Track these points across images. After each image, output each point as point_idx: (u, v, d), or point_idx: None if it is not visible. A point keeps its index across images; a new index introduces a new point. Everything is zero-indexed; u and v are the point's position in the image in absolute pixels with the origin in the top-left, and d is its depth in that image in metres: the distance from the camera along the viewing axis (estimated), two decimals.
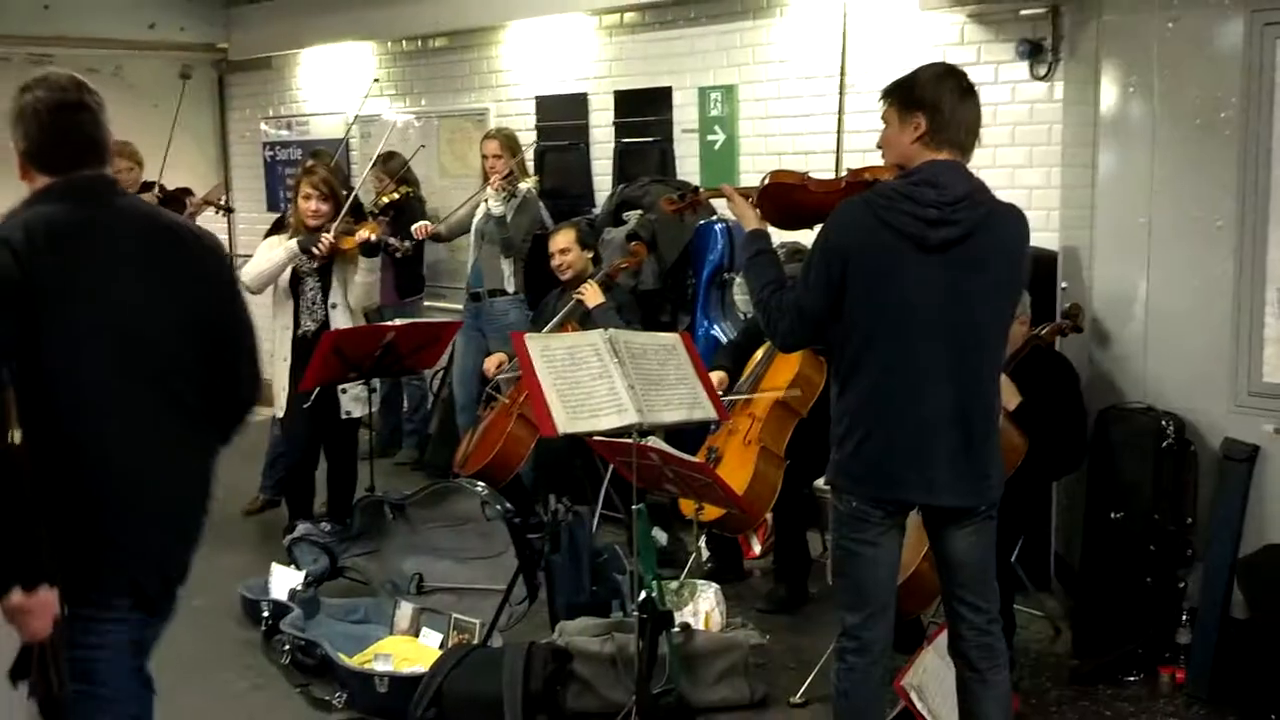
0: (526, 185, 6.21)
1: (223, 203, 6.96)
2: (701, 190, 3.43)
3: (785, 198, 3.19)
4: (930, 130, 2.86)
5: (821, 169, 5.43)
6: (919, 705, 3.54)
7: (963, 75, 2.95)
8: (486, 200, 6.13)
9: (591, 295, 5.38)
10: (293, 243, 5.30)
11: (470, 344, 6.27)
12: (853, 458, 2.91)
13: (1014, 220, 2.95)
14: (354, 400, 5.38)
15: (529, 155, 6.75)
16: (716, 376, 4.69)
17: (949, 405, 2.86)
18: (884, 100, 2.97)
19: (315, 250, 5.23)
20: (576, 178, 6.84)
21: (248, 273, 5.45)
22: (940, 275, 2.82)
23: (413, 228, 6.39)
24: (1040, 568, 4.69)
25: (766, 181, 3.20)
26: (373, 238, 5.22)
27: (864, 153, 5.05)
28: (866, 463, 2.89)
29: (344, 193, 5.63)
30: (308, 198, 5.34)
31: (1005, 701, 3.09)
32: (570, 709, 3.86)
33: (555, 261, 5.60)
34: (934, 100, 2.86)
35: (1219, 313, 4.27)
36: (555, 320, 5.43)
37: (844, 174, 3.21)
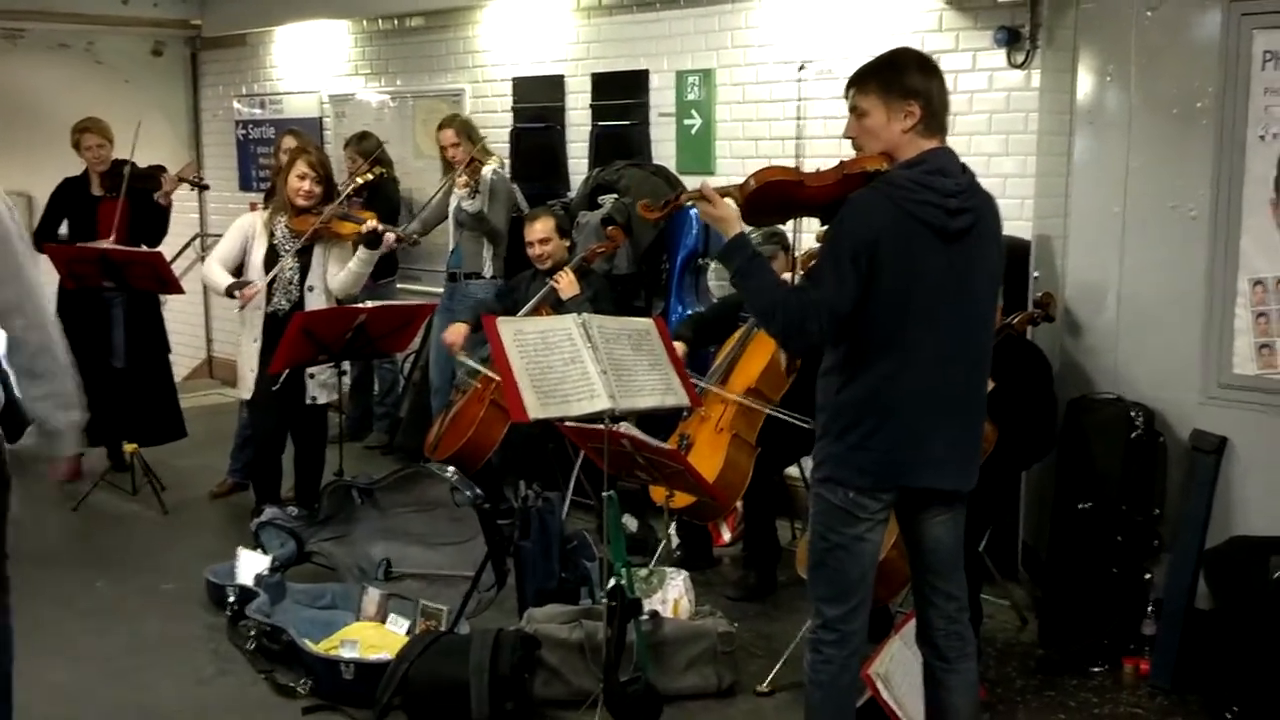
0: (490, 168, 6.14)
1: (195, 179, 6.88)
2: (681, 195, 3.21)
3: (779, 195, 2.99)
4: (924, 118, 2.84)
5: (795, 155, 5.41)
6: (885, 694, 3.54)
7: (929, 56, 2.96)
8: (460, 203, 6.07)
9: (567, 286, 5.33)
10: (223, 286, 5.30)
11: (445, 325, 6.23)
12: (859, 449, 2.87)
13: (994, 204, 3.00)
14: (320, 386, 5.33)
15: (504, 135, 6.71)
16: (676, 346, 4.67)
17: (960, 389, 2.91)
18: (859, 88, 2.91)
19: (235, 295, 5.24)
20: (552, 160, 6.80)
21: (204, 277, 5.49)
22: (953, 263, 2.85)
23: (385, 238, 6.16)
24: (1008, 557, 4.70)
25: (755, 184, 2.95)
26: (380, 228, 5.17)
27: (837, 140, 5.02)
28: (876, 452, 2.86)
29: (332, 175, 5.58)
30: (303, 177, 5.26)
31: (973, 690, 3.09)
32: (538, 696, 3.84)
33: (535, 251, 5.55)
34: (925, 88, 2.85)
35: (1191, 303, 4.27)
36: (530, 305, 5.40)
37: (835, 166, 2.99)
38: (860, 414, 2.87)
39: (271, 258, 5.26)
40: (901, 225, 2.79)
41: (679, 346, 4.69)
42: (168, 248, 6.55)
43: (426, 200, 6.84)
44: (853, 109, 2.94)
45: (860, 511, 2.89)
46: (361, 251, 5.23)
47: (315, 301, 5.27)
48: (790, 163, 3.30)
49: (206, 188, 7.19)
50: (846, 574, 2.94)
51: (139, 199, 6.35)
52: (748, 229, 3.02)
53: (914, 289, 2.81)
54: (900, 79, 2.85)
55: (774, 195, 2.96)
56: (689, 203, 3.10)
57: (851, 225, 2.81)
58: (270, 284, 5.26)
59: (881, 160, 2.89)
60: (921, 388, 2.85)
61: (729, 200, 2.97)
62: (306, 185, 5.25)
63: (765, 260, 2.96)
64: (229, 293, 5.29)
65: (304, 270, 5.29)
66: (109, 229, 6.18)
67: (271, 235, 5.29)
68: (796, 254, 4.69)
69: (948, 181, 2.83)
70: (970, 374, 2.95)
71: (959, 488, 2.96)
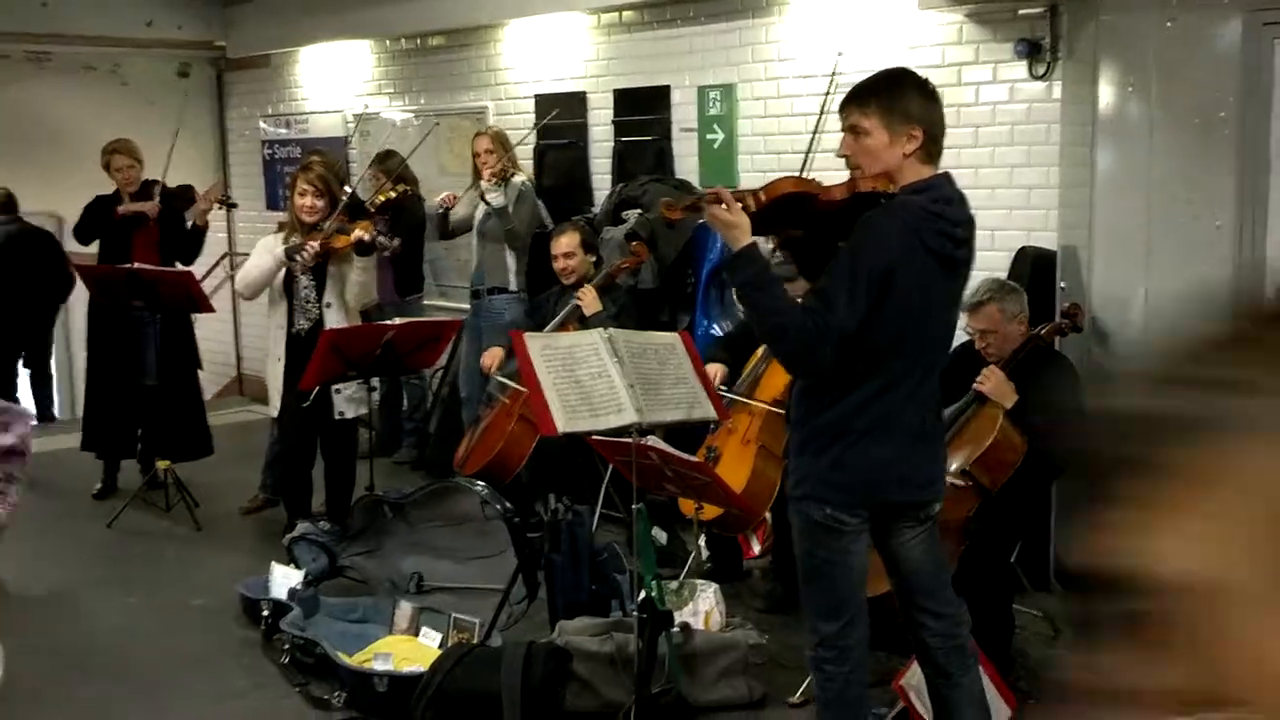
0: (521, 178, 6.26)
1: (224, 198, 6.97)
2: (704, 197, 3.07)
3: (792, 206, 2.96)
4: (925, 144, 2.86)
5: (820, 170, 5.43)
6: (917, 704, 3.55)
7: (926, 79, 2.97)
8: (484, 195, 6.16)
9: (589, 302, 5.37)
10: (280, 250, 5.31)
11: (474, 341, 6.32)
12: (839, 467, 2.90)
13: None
14: (348, 401, 5.38)
15: (527, 152, 6.78)
16: (715, 368, 4.71)
17: (933, 405, 3.03)
18: (860, 107, 2.88)
19: (299, 258, 5.24)
20: (575, 176, 6.85)
21: (241, 278, 5.52)
22: (947, 289, 2.93)
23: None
24: (1040, 569, 4.69)
25: (766, 197, 2.91)
26: (366, 237, 5.21)
27: None
28: (853, 469, 2.90)
29: (341, 190, 5.64)
30: (303, 194, 5.33)
31: (980, 700, 3.11)
32: (569, 708, 3.87)
33: (559, 265, 5.60)
34: (928, 115, 2.87)
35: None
36: (556, 321, 5.44)
37: (846, 182, 2.98)
38: (843, 431, 2.90)
39: (289, 278, 5.33)
40: (915, 252, 2.81)
41: (720, 369, 4.74)
42: (196, 266, 6.63)
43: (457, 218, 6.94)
44: (851, 128, 2.90)
45: (841, 526, 2.92)
46: (357, 260, 5.30)
47: (334, 318, 5.33)
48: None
49: (235, 206, 7.28)
50: (836, 588, 2.97)
51: (168, 219, 6.43)
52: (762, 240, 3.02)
53: (917, 315, 2.85)
54: (903, 103, 2.85)
55: (788, 206, 2.93)
56: (700, 205, 2.97)
57: (870, 249, 2.79)
58: (290, 305, 5.32)
59: (885, 182, 2.89)
60: (904, 405, 2.90)
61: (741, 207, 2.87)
62: (307, 201, 5.32)
63: (776, 275, 2.92)
64: (290, 256, 5.24)
65: (320, 288, 5.35)
66: (140, 250, 6.26)
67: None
68: None
69: (954, 211, 2.86)
70: (935, 394, 3.06)
71: (931, 499, 3.04)
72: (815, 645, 3.01)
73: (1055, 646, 4.47)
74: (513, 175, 6.22)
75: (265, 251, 5.44)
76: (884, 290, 2.78)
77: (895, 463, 2.91)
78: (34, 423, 3.45)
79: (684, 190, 6.14)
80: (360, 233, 5.21)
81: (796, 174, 3.19)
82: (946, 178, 2.91)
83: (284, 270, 5.34)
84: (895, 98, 2.86)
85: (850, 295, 2.75)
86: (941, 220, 2.82)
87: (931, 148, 2.88)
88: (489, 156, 6.20)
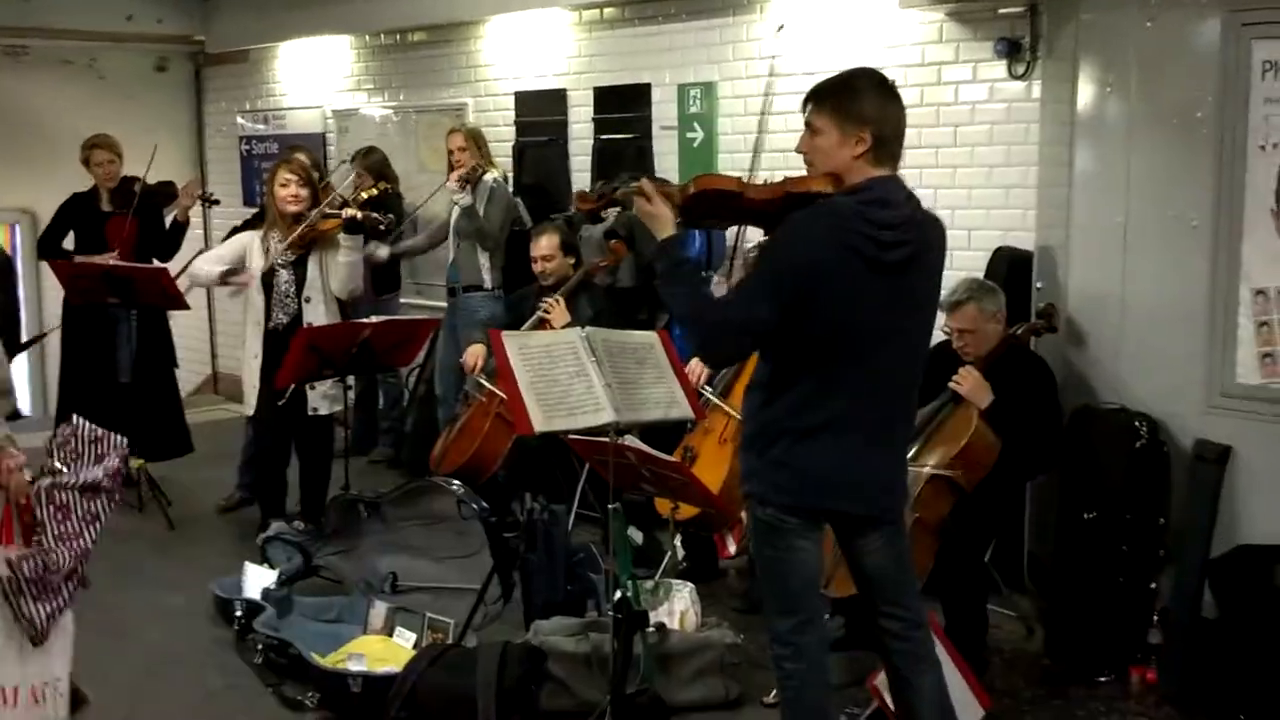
0: (492, 175, 6.24)
1: (204, 194, 6.94)
2: (619, 191, 3.11)
3: (716, 202, 3.00)
4: (875, 147, 2.83)
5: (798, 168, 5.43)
6: (890, 704, 3.54)
7: (891, 81, 2.94)
8: (452, 195, 6.17)
9: (558, 315, 5.33)
10: (217, 273, 5.35)
11: (449, 339, 6.31)
12: (778, 466, 2.89)
13: (938, 230, 3.00)
14: (322, 397, 5.34)
15: (505, 149, 6.76)
16: (698, 365, 4.73)
17: (883, 417, 2.93)
18: (816, 106, 2.89)
19: (232, 283, 5.36)
20: (555, 174, 6.82)
21: (192, 272, 5.59)
22: (887, 292, 2.83)
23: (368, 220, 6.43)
24: (1014, 568, 4.70)
25: (693, 189, 2.96)
26: (358, 215, 5.23)
27: None
28: (793, 470, 2.88)
29: (320, 183, 5.62)
30: (285, 184, 5.29)
31: (940, 702, 3.10)
32: (545, 708, 3.85)
33: (538, 267, 5.58)
34: (880, 117, 2.83)
35: (1193, 313, 4.28)
36: (528, 324, 5.41)
37: (779, 182, 2.99)
38: (780, 433, 2.89)
39: (268, 271, 5.30)
40: (836, 253, 2.77)
41: (704, 367, 4.76)
42: (172, 263, 6.59)
43: (430, 214, 6.89)
44: (807, 124, 2.93)
45: (783, 524, 2.91)
46: (343, 239, 5.27)
47: (313, 313, 5.29)
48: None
49: (217, 203, 7.25)
50: (788, 585, 2.97)
51: (148, 215, 6.39)
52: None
53: (842, 317, 2.81)
54: (856, 105, 2.84)
55: (710, 202, 2.98)
56: (625, 198, 3.08)
57: (785, 249, 2.82)
58: (269, 299, 5.28)
59: (827, 182, 2.87)
60: (842, 414, 2.85)
61: (667, 201, 2.94)
62: (291, 190, 5.29)
63: (694, 268, 3.00)
64: (224, 279, 5.31)
65: (299, 282, 5.32)
66: (117, 245, 6.22)
67: (267, 253, 5.32)
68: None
69: (886, 214, 2.80)
70: (895, 402, 2.96)
71: (872, 513, 2.98)
72: (772, 643, 3.02)
73: (1029, 645, 4.48)
74: (484, 173, 6.20)
75: (240, 248, 5.40)
76: (803, 287, 2.76)
77: (838, 470, 2.87)
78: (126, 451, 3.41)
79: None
80: (351, 210, 5.23)
81: (725, 172, 3.22)
82: (889, 179, 2.85)
83: (264, 267, 5.30)
84: (851, 99, 2.85)
85: (760, 290, 2.80)
86: (864, 221, 2.76)
87: (882, 150, 2.84)
88: (462, 154, 6.20)
